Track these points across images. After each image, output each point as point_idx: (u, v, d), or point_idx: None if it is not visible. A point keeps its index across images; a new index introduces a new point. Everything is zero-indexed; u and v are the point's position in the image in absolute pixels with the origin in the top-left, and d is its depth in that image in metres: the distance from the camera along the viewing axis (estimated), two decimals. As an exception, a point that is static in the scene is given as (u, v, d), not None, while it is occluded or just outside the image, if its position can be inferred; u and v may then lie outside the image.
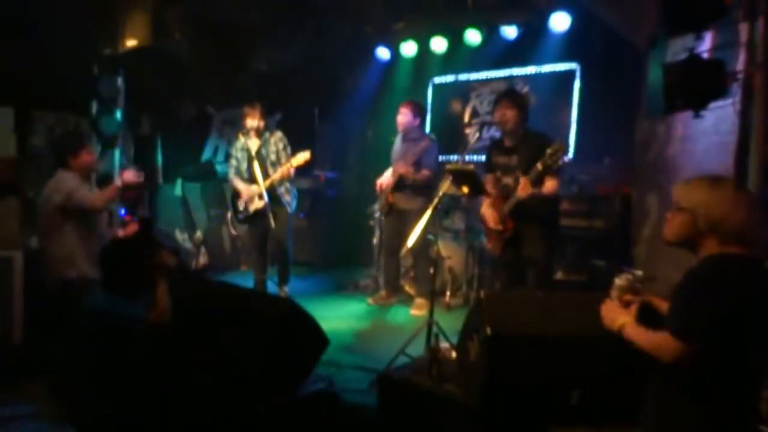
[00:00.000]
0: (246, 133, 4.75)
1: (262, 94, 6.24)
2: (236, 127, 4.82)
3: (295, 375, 2.73)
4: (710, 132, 3.55)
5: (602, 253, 4.72)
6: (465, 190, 3.53)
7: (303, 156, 4.59)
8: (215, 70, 5.93)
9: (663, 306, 1.88)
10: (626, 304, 1.89)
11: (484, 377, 2.16)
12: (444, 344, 3.04)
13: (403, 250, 4.95)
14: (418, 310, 4.78)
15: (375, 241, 5.48)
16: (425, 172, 4.61)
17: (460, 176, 3.43)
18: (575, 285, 4.73)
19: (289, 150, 4.81)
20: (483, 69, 6.23)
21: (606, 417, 2.09)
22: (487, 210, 3.69)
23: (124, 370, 2.37)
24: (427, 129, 6.72)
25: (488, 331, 2.13)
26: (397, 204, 4.79)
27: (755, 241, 1.64)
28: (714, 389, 1.62)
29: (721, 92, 2.92)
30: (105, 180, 5.13)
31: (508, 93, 3.82)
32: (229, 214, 5.18)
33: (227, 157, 6.75)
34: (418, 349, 3.30)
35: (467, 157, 3.64)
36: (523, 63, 5.88)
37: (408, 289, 5.24)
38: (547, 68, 5.75)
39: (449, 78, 6.60)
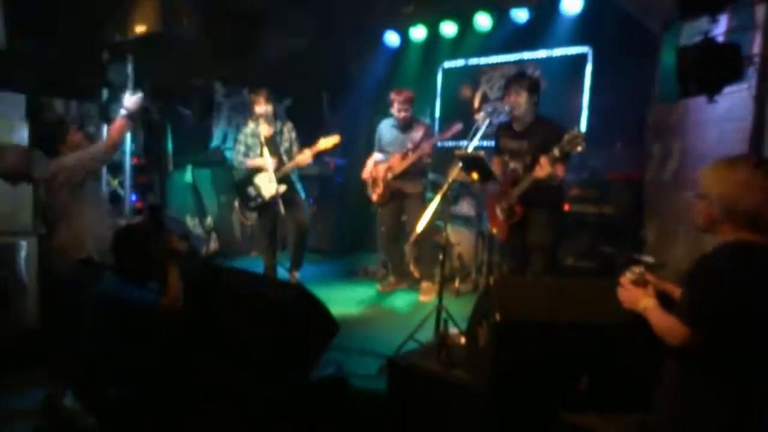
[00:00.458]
0: (256, 119, 4.76)
1: (271, 80, 6.22)
2: (245, 113, 4.82)
3: (304, 360, 2.76)
4: (725, 117, 3.50)
5: (612, 240, 4.70)
6: (474, 176, 3.51)
7: (332, 140, 4.70)
8: (224, 56, 5.91)
9: (672, 290, 1.88)
10: None
11: (493, 363, 2.17)
12: (453, 330, 3.05)
13: (413, 237, 4.96)
14: (426, 296, 4.80)
15: (383, 229, 5.48)
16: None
17: (470, 162, 3.41)
18: (585, 271, 4.72)
19: (298, 141, 4.86)
20: (493, 53, 6.17)
21: (615, 403, 2.09)
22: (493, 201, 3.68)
23: (138, 355, 2.41)
24: (437, 114, 6.71)
25: (498, 317, 2.13)
26: (402, 189, 4.80)
27: (765, 223, 1.61)
28: (725, 375, 1.61)
29: (736, 76, 2.87)
30: (116, 167, 5.18)
31: (519, 77, 3.77)
32: (237, 203, 5.11)
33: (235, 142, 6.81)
34: (427, 334, 3.32)
35: (477, 143, 3.61)
36: (534, 47, 5.81)
37: (417, 273, 5.26)
38: (559, 52, 5.68)
39: (459, 62, 6.54)
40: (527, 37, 5.76)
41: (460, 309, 3.66)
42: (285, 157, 4.76)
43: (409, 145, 4.70)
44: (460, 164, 3.44)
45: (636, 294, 1.84)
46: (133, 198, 5.41)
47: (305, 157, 4.67)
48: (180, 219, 6.02)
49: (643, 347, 1.85)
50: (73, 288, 2.83)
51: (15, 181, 3.04)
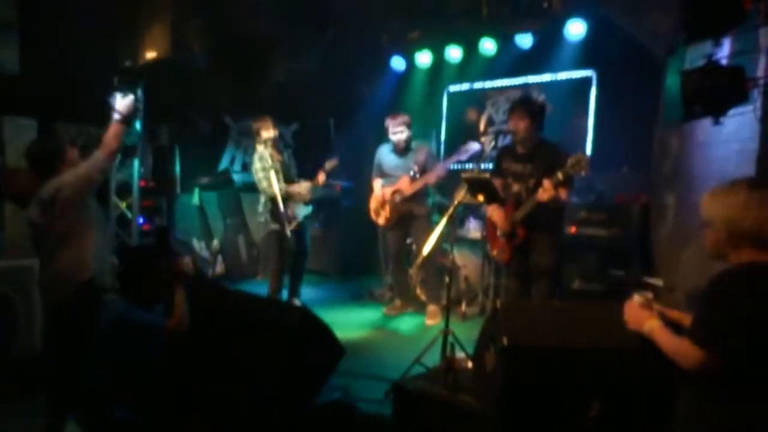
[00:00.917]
0: (264, 143, 4.79)
1: (278, 104, 6.31)
2: (253, 137, 4.88)
3: (310, 384, 2.73)
4: (730, 139, 3.50)
5: (621, 263, 4.66)
6: (480, 198, 3.52)
7: (332, 163, 4.85)
8: (233, 82, 6.00)
9: (679, 318, 1.86)
10: None
11: (501, 388, 2.14)
12: (460, 354, 3.02)
13: (419, 260, 4.94)
14: (432, 320, 4.77)
15: (390, 252, 5.47)
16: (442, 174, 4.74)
17: (476, 185, 3.42)
18: (593, 294, 4.68)
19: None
20: (498, 77, 6.23)
21: (627, 430, 2.05)
22: (494, 212, 3.67)
23: (142, 378, 2.39)
24: (442, 137, 6.75)
25: (505, 341, 2.11)
26: (412, 211, 4.81)
27: None
28: (740, 397, 1.58)
29: (740, 98, 2.88)
30: (124, 187, 5.22)
31: (523, 101, 3.82)
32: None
33: (244, 166, 6.86)
34: (433, 358, 3.28)
35: (482, 166, 3.63)
36: (539, 71, 5.86)
37: (422, 296, 5.23)
38: (563, 76, 5.73)
39: (464, 86, 6.60)
40: (532, 61, 5.83)
41: (467, 333, 3.63)
42: (296, 181, 4.86)
43: (415, 168, 4.72)
44: (466, 187, 3.44)
45: (641, 315, 1.82)
46: (141, 221, 5.44)
47: (320, 177, 4.84)
48: (187, 241, 6.04)
49: (655, 372, 1.82)
50: (75, 312, 2.74)
51: (25, 203, 3.00)
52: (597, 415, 2.08)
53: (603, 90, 5.47)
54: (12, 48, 4.34)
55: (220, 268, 6.30)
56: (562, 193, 3.37)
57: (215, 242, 6.37)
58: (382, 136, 5.00)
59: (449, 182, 4.77)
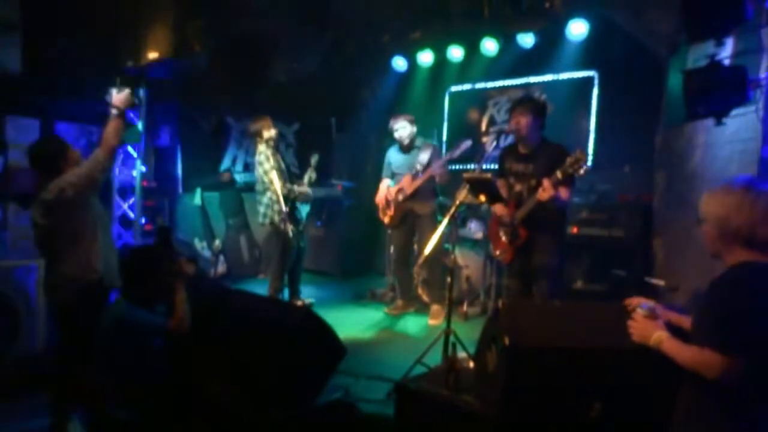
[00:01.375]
0: (266, 143, 4.79)
1: (280, 104, 6.32)
2: (254, 137, 4.88)
3: (312, 384, 2.73)
4: (733, 139, 3.49)
5: (623, 263, 4.66)
6: (482, 198, 3.51)
7: (314, 159, 4.88)
8: (234, 82, 6.01)
9: (679, 321, 1.86)
10: None
11: (503, 388, 2.14)
12: (461, 354, 3.02)
13: (421, 259, 4.95)
14: (435, 320, 4.77)
15: (392, 250, 5.48)
16: (447, 176, 4.71)
17: (478, 185, 3.42)
18: (595, 295, 4.67)
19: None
20: (500, 77, 6.23)
21: (627, 430, 2.05)
22: (498, 206, 3.66)
23: (143, 378, 2.39)
24: (444, 137, 6.75)
25: (507, 341, 2.11)
26: (414, 210, 4.81)
27: (763, 240, 1.61)
28: (753, 399, 1.57)
29: (743, 99, 2.87)
30: (126, 190, 5.24)
31: (524, 100, 3.80)
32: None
33: (246, 166, 6.87)
34: (435, 358, 3.28)
35: (484, 166, 3.62)
36: (541, 71, 5.86)
37: (425, 297, 5.23)
38: (565, 76, 5.73)
39: (466, 86, 6.60)
40: (534, 61, 5.83)
41: (469, 333, 3.63)
42: (296, 180, 4.87)
43: (418, 167, 4.73)
44: (468, 187, 3.44)
45: (647, 327, 1.81)
46: (143, 221, 5.46)
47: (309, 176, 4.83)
48: (189, 242, 6.05)
49: (657, 372, 1.82)
50: (80, 313, 2.75)
51: (27, 203, 3.00)
52: (598, 416, 2.08)
53: (605, 90, 5.47)
54: (14, 48, 4.35)
55: (221, 267, 6.30)
56: (564, 193, 3.35)
57: (217, 242, 6.38)
58: (384, 136, 5.02)
59: (451, 183, 4.76)
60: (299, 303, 4.94)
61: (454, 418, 2.37)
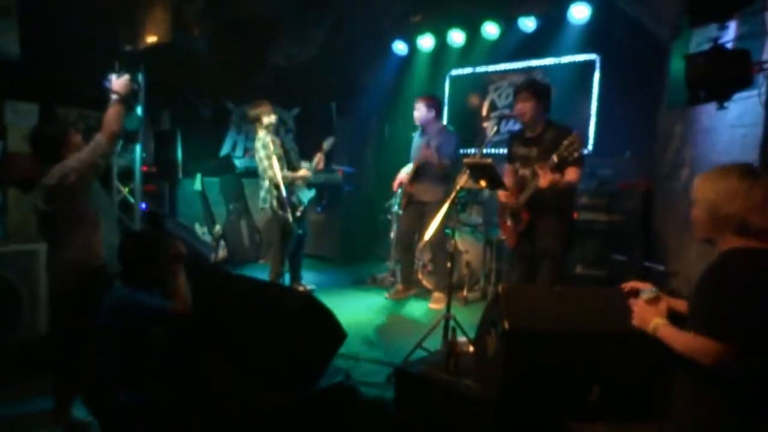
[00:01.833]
0: (266, 129, 4.77)
1: (280, 89, 6.28)
2: (254, 122, 4.86)
3: (312, 368, 2.75)
4: (734, 124, 3.48)
5: (623, 248, 4.67)
6: (483, 184, 3.50)
7: (329, 142, 4.85)
8: (234, 66, 5.97)
9: (677, 306, 1.86)
10: None
11: (502, 372, 2.15)
12: (461, 338, 3.04)
13: (421, 244, 4.96)
14: (436, 304, 4.79)
15: (392, 235, 5.50)
16: (445, 162, 4.64)
17: (478, 170, 3.40)
18: (595, 280, 4.69)
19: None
20: (501, 61, 6.19)
21: (626, 413, 2.07)
22: (502, 192, 3.65)
23: (145, 361, 2.41)
24: (445, 121, 6.72)
25: (506, 325, 2.12)
26: (416, 195, 4.81)
27: (756, 228, 1.59)
28: (748, 385, 1.58)
29: (745, 83, 2.85)
30: (126, 173, 5.22)
31: (528, 84, 3.73)
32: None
33: (246, 151, 6.85)
34: (435, 343, 3.30)
35: (485, 151, 3.60)
36: (542, 54, 5.82)
37: (426, 283, 5.25)
38: (567, 59, 5.68)
39: (467, 70, 6.56)
40: (535, 45, 5.78)
41: (469, 317, 3.65)
42: (296, 164, 4.88)
43: (424, 150, 4.71)
44: (468, 172, 3.43)
45: (646, 313, 1.81)
46: (143, 206, 5.45)
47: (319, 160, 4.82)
48: (189, 226, 6.05)
49: (656, 356, 1.83)
50: (84, 298, 2.75)
51: (27, 188, 2.98)
52: (597, 399, 2.10)
53: (606, 74, 5.43)
54: (12, 32, 4.31)
55: (222, 253, 6.32)
56: (571, 174, 3.30)
57: (217, 227, 6.38)
58: (385, 120, 5.00)
59: (451, 169, 4.75)
60: (300, 288, 4.96)
61: (454, 401, 2.39)
